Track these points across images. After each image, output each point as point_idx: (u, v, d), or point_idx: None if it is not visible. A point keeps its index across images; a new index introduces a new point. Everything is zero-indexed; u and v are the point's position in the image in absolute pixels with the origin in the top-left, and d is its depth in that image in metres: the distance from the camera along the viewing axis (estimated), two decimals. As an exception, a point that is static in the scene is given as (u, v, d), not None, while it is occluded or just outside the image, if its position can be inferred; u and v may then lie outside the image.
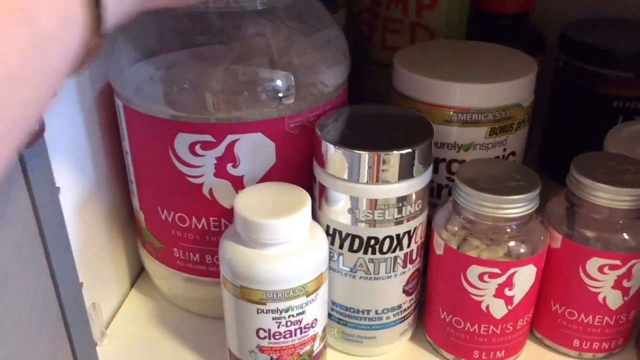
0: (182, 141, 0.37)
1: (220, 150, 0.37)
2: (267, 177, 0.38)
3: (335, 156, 0.35)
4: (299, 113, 0.38)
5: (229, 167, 0.38)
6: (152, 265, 0.44)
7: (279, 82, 0.36)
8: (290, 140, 0.38)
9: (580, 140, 0.49)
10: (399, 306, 0.39)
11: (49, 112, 0.32)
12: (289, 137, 0.38)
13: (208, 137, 0.37)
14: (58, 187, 0.34)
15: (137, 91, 0.37)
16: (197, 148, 0.37)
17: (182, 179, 0.38)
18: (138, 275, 0.48)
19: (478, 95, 0.40)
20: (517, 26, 0.58)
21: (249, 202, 0.34)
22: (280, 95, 0.36)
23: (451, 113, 0.41)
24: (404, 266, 0.38)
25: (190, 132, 0.36)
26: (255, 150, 0.37)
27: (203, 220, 0.39)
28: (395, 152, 0.34)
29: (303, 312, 0.35)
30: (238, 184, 0.38)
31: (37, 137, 0.29)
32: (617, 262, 0.37)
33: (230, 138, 0.37)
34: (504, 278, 0.36)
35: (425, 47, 0.48)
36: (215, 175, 0.38)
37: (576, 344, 0.40)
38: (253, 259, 0.33)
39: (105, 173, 0.42)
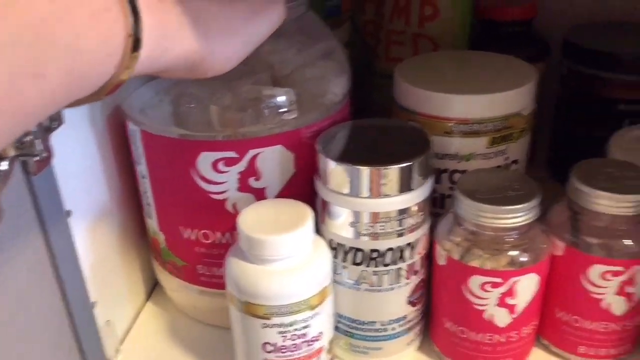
0: (205, 160, 0.38)
1: (242, 165, 0.38)
2: (288, 187, 0.39)
3: (335, 172, 0.36)
4: (313, 123, 0.39)
5: (251, 181, 0.39)
6: (171, 282, 0.45)
7: (282, 98, 0.37)
8: (308, 149, 0.39)
9: (587, 145, 0.48)
10: (404, 317, 0.40)
11: (61, 137, 0.33)
12: (306, 146, 0.39)
13: (231, 154, 0.38)
14: (69, 211, 0.36)
15: (149, 115, 0.39)
16: (220, 165, 0.38)
17: (205, 197, 0.39)
18: (152, 289, 0.49)
19: (477, 106, 0.41)
20: (521, 33, 0.58)
21: (253, 219, 0.35)
22: (285, 109, 0.37)
23: (451, 124, 0.41)
24: (408, 277, 0.38)
25: (213, 150, 0.37)
26: (276, 162, 0.39)
27: (227, 234, 0.40)
28: (393, 166, 0.35)
29: (308, 326, 0.36)
30: (261, 196, 0.39)
31: (45, 163, 0.30)
32: (620, 268, 0.37)
33: (252, 152, 0.38)
34: (505, 287, 0.36)
35: (426, 58, 0.48)
36: (239, 189, 0.39)
37: (582, 351, 0.40)
38: (256, 275, 0.34)
39: (118, 194, 0.43)
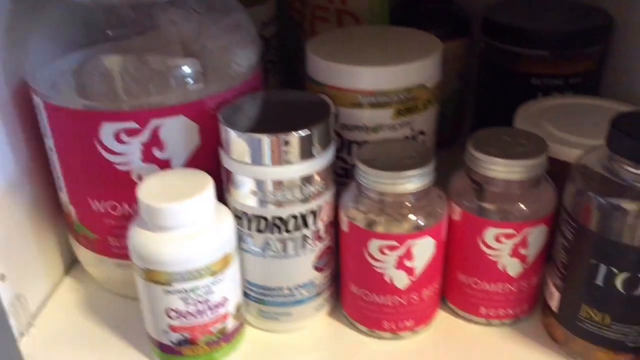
0: (107, 130, 0.38)
1: (145, 136, 0.38)
2: (194, 158, 0.40)
3: (237, 141, 0.37)
4: (217, 94, 0.39)
5: (155, 151, 0.39)
6: (86, 255, 0.45)
7: (187, 68, 0.38)
8: (213, 121, 0.39)
9: (504, 117, 0.50)
10: (311, 282, 0.41)
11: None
12: (211, 118, 0.39)
13: (132, 124, 0.38)
14: (-31, 182, 0.36)
15: (54, 87, 0.39)
16: (123, 135, 0.38)
17: (110, 168, 0.39)
18: (72, 264, 0.49)
19: (381, 78, 0.42)
20: (442, 10, 0.60)
21: (152, 189, 0.36)
22: (190, 80, 0.38)
23: (358, 96, 0.42)
24: (313, 244, 0.40)
25: (114, 121, 0.38)
26: (179, 133, 0.39)
27: (135, 206, 0.41)
28: (293, 133, 0.36)
29: (210, 292, 0.36)
30: (165, 167, 0.40)
31: None
32: (512, 231, 0.39)
33: (154, 123, 0.38)
34: (402, 250, 0.38)
35: (338, 33, 0.49)
36: (143, 160, 0.39)
37: (483, 312, 0.42)
38: (156, 243, 0.35)
39: (28, 168, 0.43)
